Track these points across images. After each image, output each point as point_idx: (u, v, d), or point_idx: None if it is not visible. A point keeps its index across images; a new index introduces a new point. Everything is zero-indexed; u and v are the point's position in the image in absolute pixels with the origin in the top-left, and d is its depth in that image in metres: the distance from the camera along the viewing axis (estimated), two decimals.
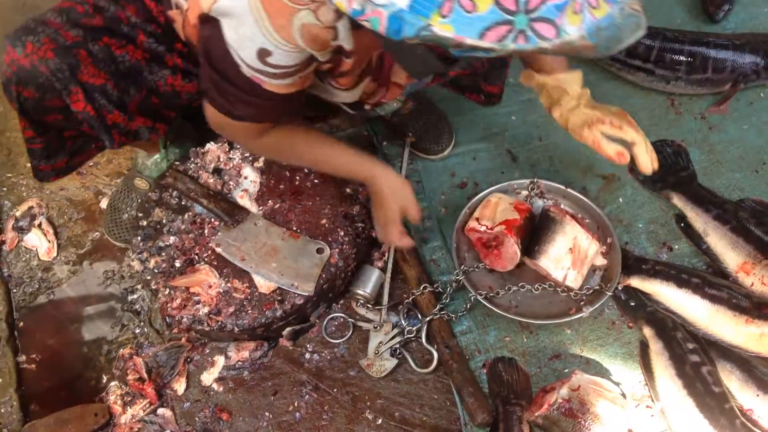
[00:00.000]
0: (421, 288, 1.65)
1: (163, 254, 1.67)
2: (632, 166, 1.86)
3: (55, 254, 1.87)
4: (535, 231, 1.68)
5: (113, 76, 1.39)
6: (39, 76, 1.31)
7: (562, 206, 1.76)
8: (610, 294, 1.63)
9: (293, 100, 1.30)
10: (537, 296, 1.66)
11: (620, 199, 1.83)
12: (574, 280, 1.63)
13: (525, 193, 1.80)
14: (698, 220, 1.74)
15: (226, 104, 1.29)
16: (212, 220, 1.70)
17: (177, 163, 1.79)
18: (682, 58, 1.94)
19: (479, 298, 1.63)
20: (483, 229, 1.64)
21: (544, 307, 1.66)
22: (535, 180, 1.79)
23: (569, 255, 1.62)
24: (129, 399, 1.63)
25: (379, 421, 1.58)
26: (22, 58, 1.30)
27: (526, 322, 1.64)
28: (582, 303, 1.64)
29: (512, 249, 1.62)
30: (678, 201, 1.78)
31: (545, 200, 1.80)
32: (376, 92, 1.55)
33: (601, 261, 1.69)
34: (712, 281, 1.61)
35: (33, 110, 1.38)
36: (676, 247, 1.75)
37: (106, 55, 1.37)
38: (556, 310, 1.65)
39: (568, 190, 1.78)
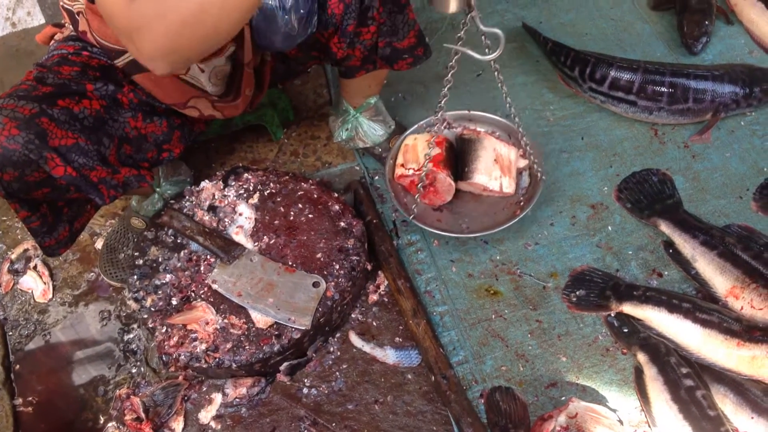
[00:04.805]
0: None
1: (160, 292, 1.68)
2: (620, 195, 1.92)
3: (50, 296, 1.88)
4: (458, 156, 1.81)
5: (82, 132, 1.41)
6: (12, 155, 1.31)
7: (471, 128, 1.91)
8: (544, 180, 1.79)
9: None
10: (482, 212, 1.83)
11: (609, 227, 1.87)
12: (509, 186, 1.80)
13: (435, 128, 1.85)
14: (686, 246, 1.77)
15: None
16: (208, 257, 1.71)
17: (172, 201, 1.81)
18: (663, 89, 1.99)
19: (431, 231, 1.76)
20: (411, 172, 1.75)
21: (491, 218, 1.82)
22: (439, 113, 1.78)
23: (496, 165, 1.76)
24: None
25: None
26: None
27: (482, 236, 1.78)
28: (522, 203, 1.81)
29: (446, 181, 1.76)
30: (665, 228, 1.82)
31: (454, 129, 1.91)
32: None
33: (523, 162, 1.84)
34: (702, 306, 1.63)
35: (19, 190, 1.38)
36: (666, 273, 1.78)
37: (67, 115, 1.39)
38: (503, 217, 1.80)
39: (472, 112, 1.89)
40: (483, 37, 1.52)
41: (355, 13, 1.54)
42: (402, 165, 1.79)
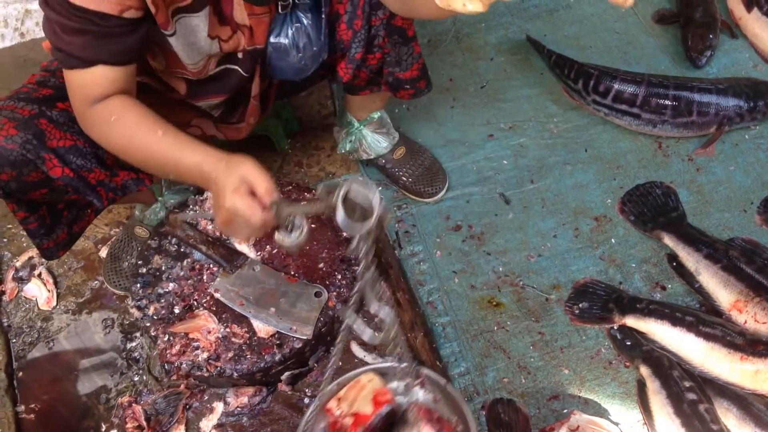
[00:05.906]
0: None
1: (162, 301, 1.68)
2: (623, 208, 1.91)
3: (54, 303, 1.88)
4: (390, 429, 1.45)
5: (81, 135, 1.41)
6: (9, 154, 1.32)
7: (436, 404, 1.44)
8: None
9: (122, 34, 1.23)
10: None
11: (612, 240, 1.86)
12: None
13: (406, 381, 1.48)
14: (690, 259, 1.76)
15: (53, 37, 1.23)
16: (211, 266, 1.72)
17: (176, 210, 1.82)
18: (667, 102, 2.00)
19: None
20: (338, 413, 1.43)
21: None
22: (417, 367, 1.47)
23: None
24: None
25: None
26: None
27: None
28: None
29: None
30: (669, 241, 1.82)
31: (426, 392, 1.47)
32: (231, 38, 1.44)
33: None
34: (705, 319, 1.63)
35: (16, 190, 1.38)
36: (669, 286, 1.78)
37: (65, 117, 1.40)
38: None
39: (448, 386, 1.46)
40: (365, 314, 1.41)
41: (363, 42, 1.56)
42: (339, 399, 1.45)
